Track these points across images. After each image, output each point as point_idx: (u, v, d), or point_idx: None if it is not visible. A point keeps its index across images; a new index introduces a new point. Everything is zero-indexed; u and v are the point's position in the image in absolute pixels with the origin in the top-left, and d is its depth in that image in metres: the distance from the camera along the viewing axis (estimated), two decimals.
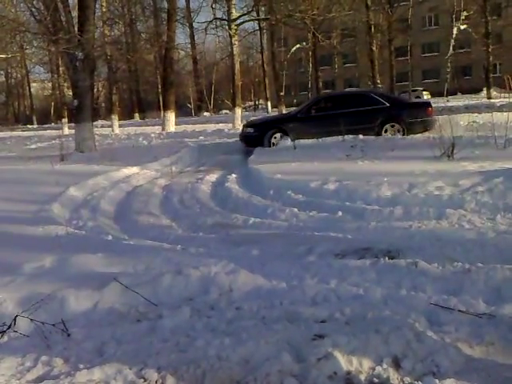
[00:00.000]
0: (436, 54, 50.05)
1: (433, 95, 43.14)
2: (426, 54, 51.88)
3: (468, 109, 21.69)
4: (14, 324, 3.34)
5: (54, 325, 3.32)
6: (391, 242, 4.73)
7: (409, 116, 13.12)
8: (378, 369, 2.68)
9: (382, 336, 2.91)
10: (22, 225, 6.06)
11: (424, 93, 46.18)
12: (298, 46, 41.81)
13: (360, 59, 49.18)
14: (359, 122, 12.93)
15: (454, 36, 37.45)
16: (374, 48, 35.21)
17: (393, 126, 13.17)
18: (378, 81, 35.06)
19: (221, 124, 22.46)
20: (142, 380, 2.68)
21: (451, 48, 38.14)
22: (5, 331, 3.30)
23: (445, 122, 9.14)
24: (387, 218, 5.75)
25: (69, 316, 3.47)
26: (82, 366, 2.87)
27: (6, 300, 3.65)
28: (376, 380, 2.61)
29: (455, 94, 37.46)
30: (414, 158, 8.63)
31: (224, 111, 44.35)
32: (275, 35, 41.86)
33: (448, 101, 24.93)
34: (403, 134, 12.76)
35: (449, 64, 38.55)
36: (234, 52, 23.08)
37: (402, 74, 43.93)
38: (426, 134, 9.07)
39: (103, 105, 44.52)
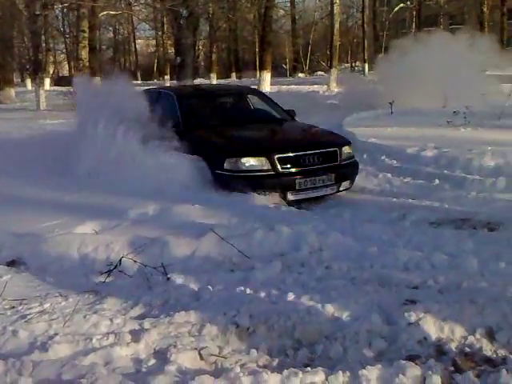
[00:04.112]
0: None
1: None
2: None
3: None
4: (120, 264, 3.61)
5: (155, 268, 3.56)
6: (492, 214, 4.56)
7: None
8: (471, 338, 2.64)
9: (476, 307, 2.84)
10: None
11: None
12: (401, 5, 39.85)
13: (468, 20, 45.98)
14: None
15: None
16: (485, 9, 32.81)
17: None
18: None
19: (315, 86, 22.09)
20: (235, 326, 2.81)
21: None
22: (111, 270, 3.58)
23: None
24: (489, 189, 5.50)
25: (168, 261, 3.70)
26: (179, 307, 3.06)
27: (113, 242, 3.95)
28: (468, 349, 2.57)
29: None
30: None
31: (319, 73, 43.55)
32: None
33: None
34: None
35: None
36: (335, 11, 22.43)
37: None
38: None
39: (202, 63, 45.26)
